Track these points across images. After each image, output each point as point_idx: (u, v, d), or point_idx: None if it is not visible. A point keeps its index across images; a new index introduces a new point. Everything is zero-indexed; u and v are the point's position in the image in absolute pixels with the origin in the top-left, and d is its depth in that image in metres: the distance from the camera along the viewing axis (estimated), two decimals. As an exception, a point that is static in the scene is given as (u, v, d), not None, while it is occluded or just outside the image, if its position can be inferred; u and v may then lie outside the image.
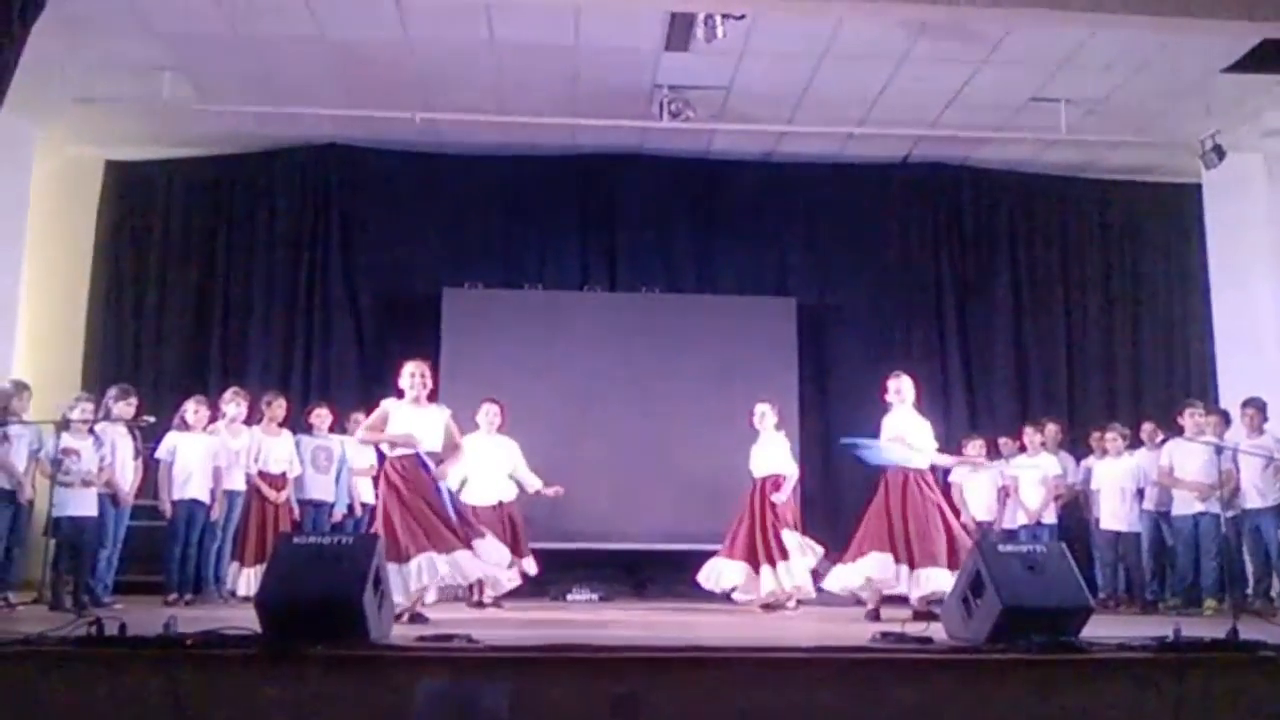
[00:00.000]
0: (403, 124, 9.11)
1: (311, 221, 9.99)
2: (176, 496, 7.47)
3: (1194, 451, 7.69)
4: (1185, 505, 7.83)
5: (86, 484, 6.85)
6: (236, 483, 7.84)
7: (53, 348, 9.36)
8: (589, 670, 3.70)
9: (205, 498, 7.57)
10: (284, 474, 8.06)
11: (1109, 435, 8.39)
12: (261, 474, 7.97)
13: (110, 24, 7.57)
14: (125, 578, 7.43)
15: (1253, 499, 7.53)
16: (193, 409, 7.67)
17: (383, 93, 8.75)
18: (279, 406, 8.19)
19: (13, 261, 8.85)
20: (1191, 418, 7.85)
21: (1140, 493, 8.24)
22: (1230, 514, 7.53)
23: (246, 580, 7.76)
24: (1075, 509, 8.84)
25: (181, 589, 7.42)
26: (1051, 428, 8.84)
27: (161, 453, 7.54)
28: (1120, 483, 8.27)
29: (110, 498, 7.11)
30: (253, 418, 8.07)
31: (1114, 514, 8.29)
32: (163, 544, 7.52)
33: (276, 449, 8.07)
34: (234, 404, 7.91)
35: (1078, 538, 8.21)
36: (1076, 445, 9.13)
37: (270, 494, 7.96)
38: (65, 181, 9.69)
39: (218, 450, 7.70)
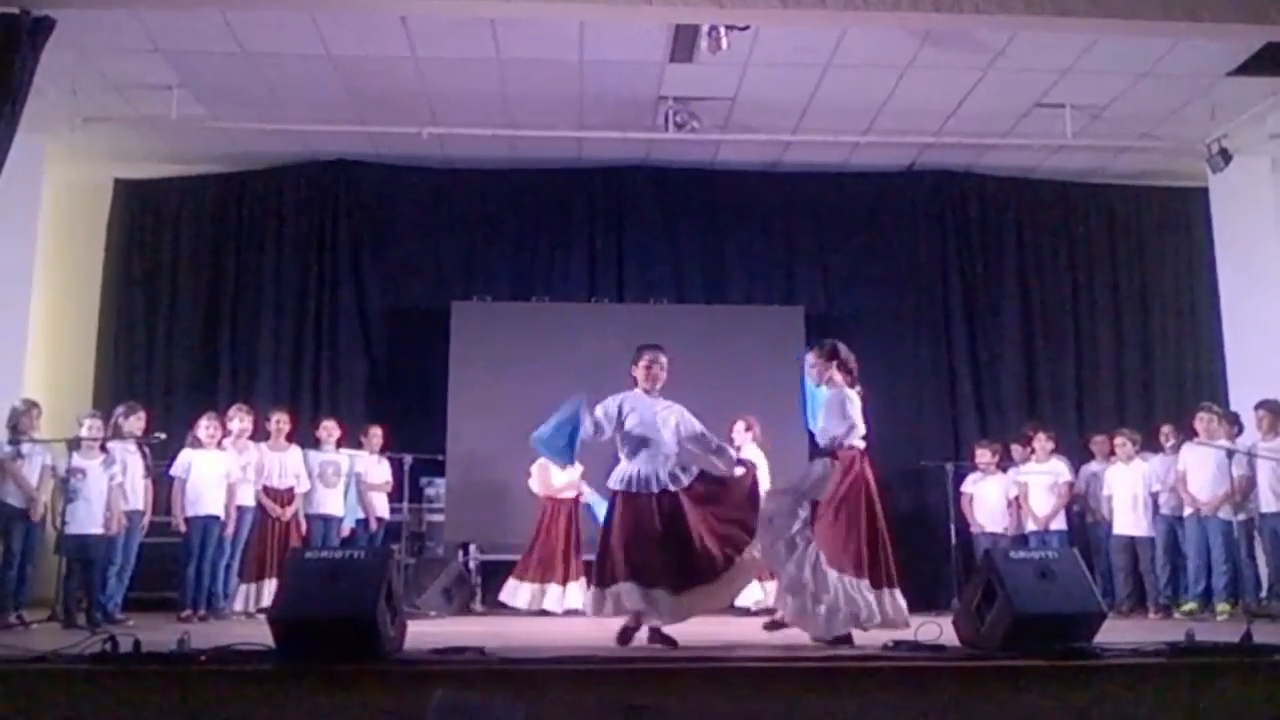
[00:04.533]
0: (410, 139, 9.15)
1: (320, 237, 10.03)
2: (191, 513, 7.48)
3: (1207, 456, 7.65)
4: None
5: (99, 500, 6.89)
6: (247, 498, 7.86)
7: (63, 364, 9.41)
8: (602, 682, 3.71)
9: (220, 513, 7.58)
10: (291, 489, 8.08)
11: (1119, 440, 8.36)
12: (268, 489, 7.99)
13: (120, 43, 7.62)
14: (136, 594, 7.45)
15: (1269, 502, 7.46)
16: (205, 425, 7.69)
17: (390, 108, 8.80)
18: (284, 421, 8.21)
19: (23, 278, 8.89)
20: (1204, 422, 7.82)
21: (1154, 497, 8.20)
22: (1242, 517, 7.51)
23: (245, 595, 7.78)
24: (1080, 514, 8.81)
25: (195, 605, 7.44)
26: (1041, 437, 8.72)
27: (177, 469, 7.56)
28: (1133, 488, 8.22)
29: (125, 514, 7.14)
30: (259, 432, 8.10)
31: (1127, 519, 8.25)
32: (174, 560, 7.53)
33: (283, 464, 8.10)
34: (238, 419, 7.92)
35: (1078, 542, 8.16)
36: (1088, 450, 9.10)
37: (276, 510, 7.97)
38: (75, 199, 9.75)
39: (230, 466, 7.72)
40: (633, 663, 3.93)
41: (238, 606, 7.76)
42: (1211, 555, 7.67)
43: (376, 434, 8.68)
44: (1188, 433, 7.98)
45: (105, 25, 7.28)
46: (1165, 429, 8.43)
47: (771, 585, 7.40)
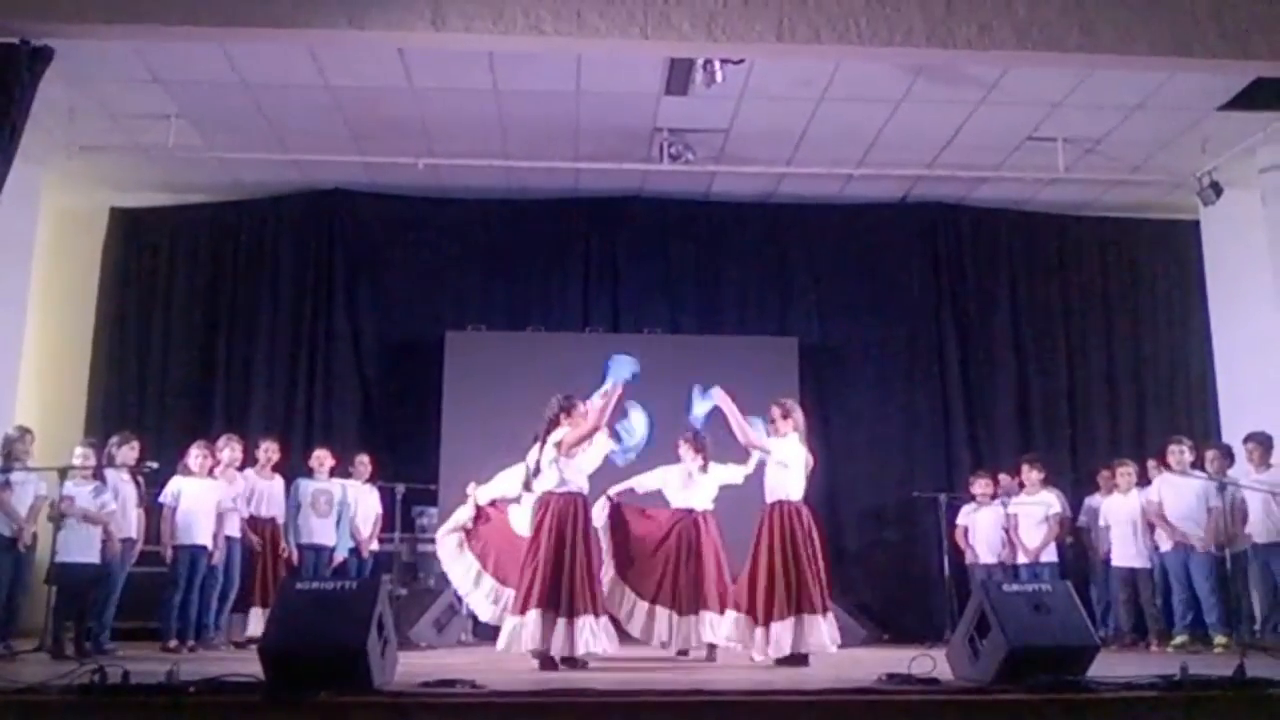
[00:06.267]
0: (406, 169, 9.19)
1: (315, 266, 10.05)
2: (179, 542, 7.45)
3: (1184, 487, 7.67)
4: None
5: (90, 523, 6.85)
6: (236, 528, 7.84)
7: (57, 393, 9.39)
8: (594, 714, 3.68)
9: (208, 543, 7.54)
10: (274, 519, 8.06)
11: (1121, 471, 8.32)
12: (255, 518, 7.96)
13: (117, 73, 7.66)
14: (126, 624, 7.39)
15: (1260, 534, 7.46)
16: (196, 454, 7.67)
17: (387, 139, 8.84)
18: (273, 450, 8.20)
19: (18, 307, 8.89)
20: (1174, 455, 7.83)
21: (1152, 528, 8.18)
22: (1233, 549, 7.49)
23: (261, 620, 7.70)
24: (1077, 546, 8.78)
25: (182, 635, 7.38)
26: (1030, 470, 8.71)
27: (165, 496, 7.53)
28: (1132, 518, 8.18)
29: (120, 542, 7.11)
30: (249, 461, 8.08)
31: (1126, 550, 8.20)
32: (163, 590, 7.48)
33: (271, 493, 8.08)
34: (228, 449, 7.90)
35: (1076, 574, 8.13)
36: (1081, 482, 9.10)
37: (252, 539, 7.93)
38: (70, 228, 9.77)
39: (221, 495, 7.69)
40: (628, 695, 3.90)
41: (251, 629, 7.69)
42: (1195, 588, 7.64)
43: (364, 462, 8.65)
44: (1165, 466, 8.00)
45: (103, 55, 7.32)
46: (1152, 462, 8.43)
47: None
